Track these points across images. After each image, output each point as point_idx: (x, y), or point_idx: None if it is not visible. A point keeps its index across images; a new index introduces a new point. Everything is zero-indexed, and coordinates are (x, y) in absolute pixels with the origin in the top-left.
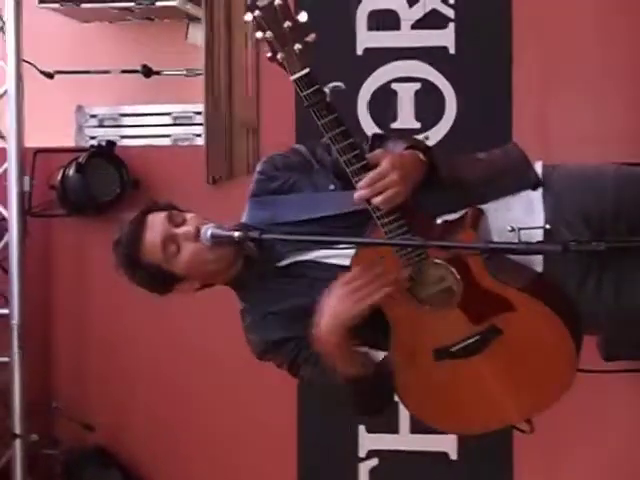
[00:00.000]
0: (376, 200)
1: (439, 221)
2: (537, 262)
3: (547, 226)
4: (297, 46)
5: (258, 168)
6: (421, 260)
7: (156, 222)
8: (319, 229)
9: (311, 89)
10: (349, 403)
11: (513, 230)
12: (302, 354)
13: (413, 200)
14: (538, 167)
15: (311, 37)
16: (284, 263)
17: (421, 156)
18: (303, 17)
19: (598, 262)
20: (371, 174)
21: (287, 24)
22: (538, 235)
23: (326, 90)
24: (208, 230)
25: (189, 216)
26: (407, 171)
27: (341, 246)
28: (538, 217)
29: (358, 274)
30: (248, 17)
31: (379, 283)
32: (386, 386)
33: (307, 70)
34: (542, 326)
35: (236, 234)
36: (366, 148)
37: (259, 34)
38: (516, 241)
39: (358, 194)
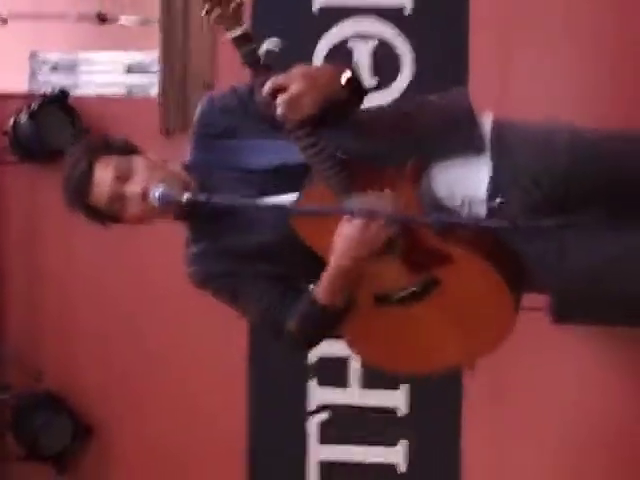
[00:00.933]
0: (279, 109)
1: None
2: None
3: (497, 200)
4: (234, 4)
5: (199, 107)
6: None
7: (103, 177)
8: (262, 176)
9: (247, 48)
10: (298, 336)
11: (462, 203)
12: (242, 288)
13: (354, 148)
14: (487, 121)
15: None
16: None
17: (343, 76)
18: None
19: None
20: (275, 77)
21: None
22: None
23: (262, 48)
24: (157, 192)
25: (139, 166)
26: (317, 82)
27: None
28: (485, 181)
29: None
30: None
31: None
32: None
33: (243, 28)
34: (479, 278)
35: (184, 197)
36: None
37: None
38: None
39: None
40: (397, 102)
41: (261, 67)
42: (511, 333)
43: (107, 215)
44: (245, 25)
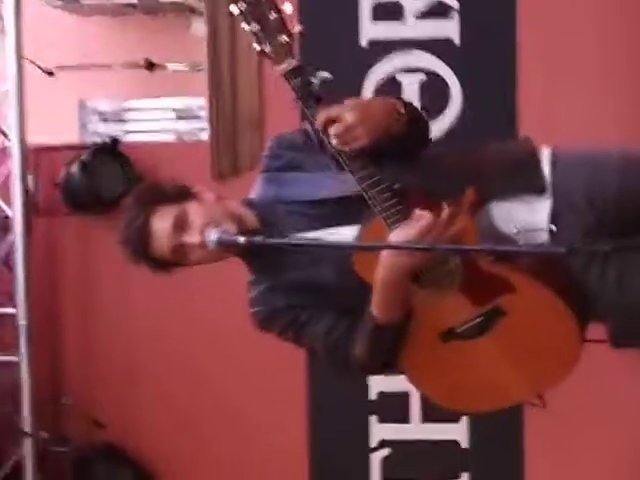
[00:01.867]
0: (332, 140)
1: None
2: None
3: (552, 227)
4: (283, 38)
5: (266, 146)
6: None
7: (162, 229)
8: (325, 209)
9: (298, 81)
10: (364, 361)
11: (518, 232)
12: (308, 321)
13: (413, 183)
14: (545, 157)
15: (297, 29)
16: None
17: (399, 106)
18: (288, 8)
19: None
20: (328, 109)
21: (272, 15)
22: (543, 235)
23: (314, 81)
24: (212, 237)
25: (195, 214)
26: (372, 113)
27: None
28: (544, 212)
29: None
30: (233, 9)
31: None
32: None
33: (294, 63)
34: (543, 306)
35: (241, 239)
36: None
37: (245, 26)
38: (521, 240)
39: (317, 123)
40: (457, 145)
41: (313, 100)
42: (577, 365)
43: (170, 264)
44: (296, 58)
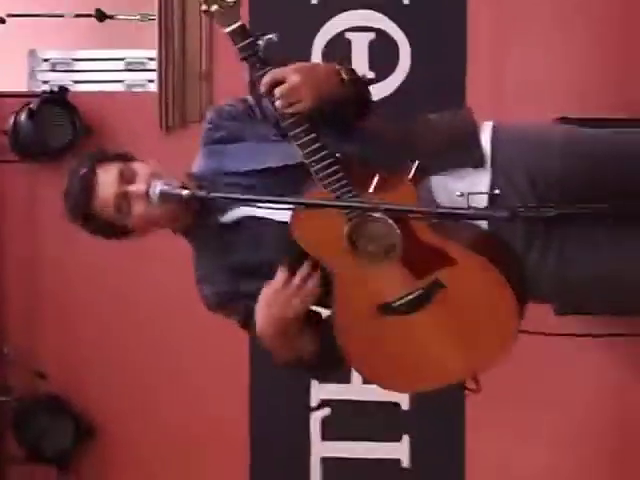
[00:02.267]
0: (277, 102)
1: (377, 176)
2: (482, 226)
3: (496, 191)
4: (229, 0)
5: (206, 117)
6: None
7: (107, 180)
8: (264, 179)
9: (244, 42)
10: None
11: (462, 195)
12: (249, 304)
13: (353, 152)
14: (487, 130)
15: None
16: (228, 219)
17: (342, 73)
18: None
19: (543, 229)
20: (273, 71)
21: None
22: (485, 200)
23: (260, 42)
24: (157, 188)
25: (140, 169)
26: (314, 76)
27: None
28: (484, 182)
29: (283, 282)
30: None
31: (303, 293)
32: (334, 352)
33: (239, 23)
34: (483, 281)
35: (184, 192)
36: None
37: None
38: (464, 206)
39: (261, 84)
40: (398, 116)
41: (259, 61)
42: (514, 342)
43: (109, 224)
44: (242, 20)
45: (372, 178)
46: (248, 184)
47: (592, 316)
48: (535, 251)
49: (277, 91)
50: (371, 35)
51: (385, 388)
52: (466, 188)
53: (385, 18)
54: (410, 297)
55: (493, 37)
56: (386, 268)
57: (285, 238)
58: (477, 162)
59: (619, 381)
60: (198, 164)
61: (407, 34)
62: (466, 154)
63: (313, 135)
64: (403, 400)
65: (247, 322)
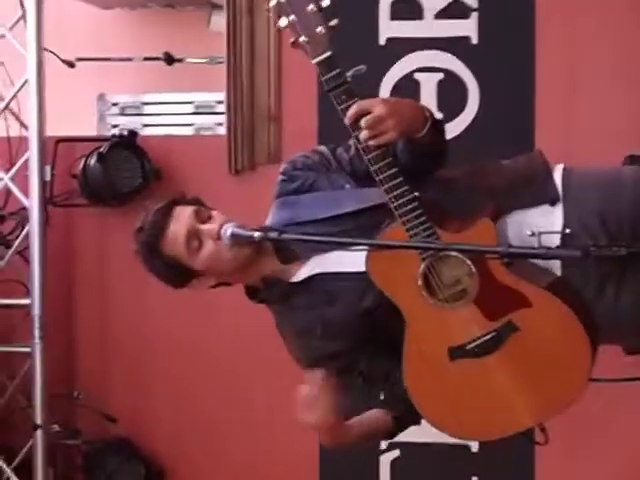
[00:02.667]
0: (363, 133)
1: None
2: (555, 267)
3: (567, 230)
4: (319, 29)
5: (280, 169)
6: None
7: (183, 215)
8: (337, 227)
9: (332, 73)
10: None
11: (533, 234)
12: (346, 373)
13: (429, 196)
14: (558, 172)
15: (334, 21)
16: (299, 278)
17: (425, 111)
18: (326, 1)
19: (617, 270)
20: (360, 102)
21: (310, 8)
22: (557, 239)
23: (347, 74)
24: (229, 229)
25: (215, 213)
26: (400, 111)
27: (357, 247)
28: (556, 222)
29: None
30: (273, 1)
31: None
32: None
33: (329, 53)
34: (558, 324)
35: (256, 234)
36: None
37: (283, 21)
38: (536, 245)
39: (346, 120)
40: (467, 160)
41: (345, 93)
42: (586, 386)
43: (176, 262)
44: (330, 51)
45: (450, 219)
46: (324, 232)
47: None
48: (609, 293)
49: (363, 122)
50: (439, 75)
51: (451, 435)
52: (539, 228)
53: (453, 58)
54: (483, 339)
55: (562, 78)
56: (460, 309)
57: (359, 287)
58: (552, 199)
59: None
60: (271, 217)
61: (475, 74)
62: (541, 191)
63: (395, 170)
64: (473, 442)
65: (341, 380)
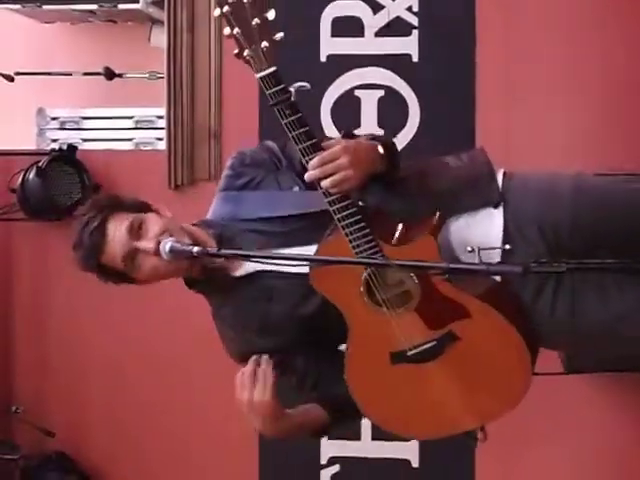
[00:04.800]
0: (324, 183)
1: (400, 226)
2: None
3: (506, 247)
4: (264, 44)
5: (228, 163)
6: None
7: (116, 235)
8: (281, 228)
9: (276, 88)
10: None
11: (472, 251)
12: (281, 371)
13: (374, 203)
14: (499, 176)
15: (278, 36)
16: (242, 273)
17: (380, 148)
18: (271, 15)
19: (553, 278)
20: (321, 154)
21: (255, 21)
22: (497, 254)
23: (291, 89)
24: (167, 244)
25: (151, 224)
26: (359, 157)
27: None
28: (497, 226)
29: (246, 376)
30: (217, 12)
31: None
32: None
33: (273, 68)
34: (497, 334)
35: (194, 249)
36: None
37: (227, 30)
38: (476, 261)
39: (308, 174)
40: (413, 162)
41: (289, 108)
42: (525, 394)
43: (120, 274)
44: (274, 66)
45: (394, 227)
46: (267, 230)
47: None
48: (545, 299)
49: (326, 182)
50: (380, 92)
51: (393, 432)
52: (482, 232)
53: (394, 75)
54: (424, 347)
55: (502, 94)
56: (402, 317)
57: (300, 289)
58: (495, 202)
59: (632, 419)
60: (213, 210)
61: (416, 91)
62: (484, 194)
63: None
64: (413, 457)
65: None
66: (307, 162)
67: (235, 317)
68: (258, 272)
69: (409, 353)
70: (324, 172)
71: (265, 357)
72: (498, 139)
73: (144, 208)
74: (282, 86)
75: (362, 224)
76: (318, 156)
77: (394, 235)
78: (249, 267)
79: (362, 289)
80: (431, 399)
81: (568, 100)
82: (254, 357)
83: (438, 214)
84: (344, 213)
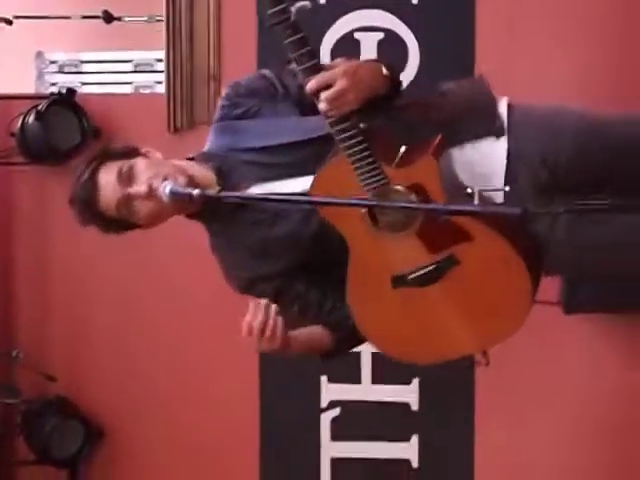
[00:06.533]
0: (321, 105)
1: (402, 148)
2: (498, 198)
3: (506, 188)
4: None
5: (223, 93)
6: (382, 185)
7: (108, 183)
8: (283, 158)
9: (278, 7)
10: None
11: (472, 192)
12: (283, 296)
13: (376, 126)
14: (503, 105)
15: None
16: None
17: (383, 69)
18: None
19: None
20: (320, 75)
21: None
22: (497, 195)
23: (292, 10)
24: (166, 187)
25: (141, 168)
26: (360, 78)
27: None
28: (500, 162)
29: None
30: None
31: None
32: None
33: None
34: (498, 257)
35: (194, 192)
36: None
37: None
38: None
39: (308, 87)
40: (414, 89)
41: (289, 27)
42: (526, 320)
43: (119, 221)
44: None
45: (396, 149)
46: (267, 161)
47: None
48: (545, 222)
49: (323, 96)
50: (380, 35)
51: (394, 356)
52: (485, 158)
53: (394, 18)
54: (424, 271)
55: (502, 36)
56: (403, 240)
57: (303, 213)
58: (497, 131)
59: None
60: (210, 141)
61: (415, 33)
62: (486, 123)
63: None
64: (413, 400)
65: (277, 304)
66: (307, 83)
67: (236, 243)
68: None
69: (409, 277)
70: (324, 94)
71: (272, 305)
72: (499, 79)
73: (132, 153)
74: (283, 6)
75: (364, 145)
76: (316, 77)
77: (396, 156)
78: (251, 191)
79: (364, 210)
80: (432, 323)
81: (569, 35)
82: (258, 303)
83: (440, 135)
84: (345, 135)
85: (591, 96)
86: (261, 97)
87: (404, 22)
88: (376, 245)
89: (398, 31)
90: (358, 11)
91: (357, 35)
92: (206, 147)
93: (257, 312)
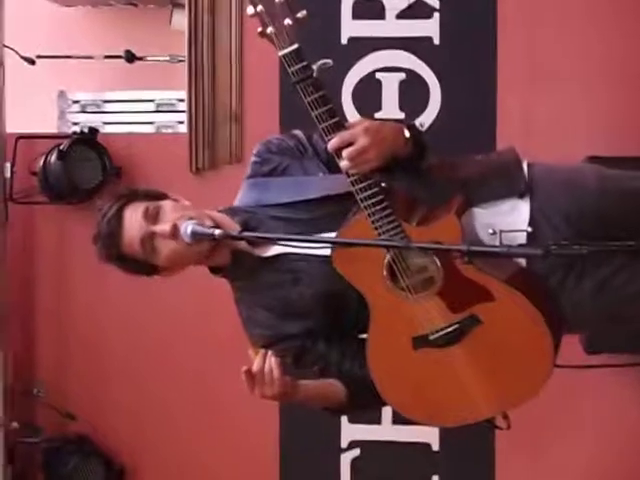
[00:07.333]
0: (343, 163)
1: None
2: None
3: (529, 229)
4: (287, 21)
5: (254, 150)
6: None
7: (133, 220)
8: (306, 214)
9: (299, 65)
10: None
11: (495, 233)
12: (305, 356)
13: (399, 185)
14: (523, 167)
15: (301, 13)
16: (270, 254)
17: (405, 131)
18: None
19: (579, 261)
20: (342, 132)
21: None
22: (520, 237)
23: (314, 67)
24: (188, 227)
25: (167, 209)
26: (381, 138)
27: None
28: (523, 216)
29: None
30: None
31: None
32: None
33: (297, 45)
34: (521, 318)
35: (216, 232)
36: None
37: (250, 9)
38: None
39: (330, 145)
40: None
41: (311, 85)
42: (546, 382)
43: (140, 262)
44: (297, 43)
45: (417, 208)
46: (292, 217)
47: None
48: (571, 280)
49: (345, 154)
50: (401, 75)
51: (414, 419)
52: (505, 224)
53: (415, 58)
54: (446, 331)
55: (523, 77)
56: (424, 300)
57: (324, 273)
58: (521, 191)
59: None
60: (240, 197)
61: (437, 74)
62: (511, 183)
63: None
64: (433, 441)
65: (297, 365)
66: (328, 141)
67: (259, 302)
68: (284, 255)
69: (431, 337)
70: (346, 152)
71: (269, 352)
72: (519, 122)
73: (161, 197)
74: (305, 63)
75: (384, 204)
76: (338, 134)
77: (417, 215)
78: (274, 250)
79: (385, 272)
80: (453, 385)
81: (590, 84)
82: (261, 352)
83: (461, 196)
84: (366, 193)
85: (612, 144)
86: (290, 155)
87: (426, 62)
88: (397, 305)
89: (420, 71)
90: (380, 51)
91: (379, 75)
92: (235, 202)
93: (256, 360)
